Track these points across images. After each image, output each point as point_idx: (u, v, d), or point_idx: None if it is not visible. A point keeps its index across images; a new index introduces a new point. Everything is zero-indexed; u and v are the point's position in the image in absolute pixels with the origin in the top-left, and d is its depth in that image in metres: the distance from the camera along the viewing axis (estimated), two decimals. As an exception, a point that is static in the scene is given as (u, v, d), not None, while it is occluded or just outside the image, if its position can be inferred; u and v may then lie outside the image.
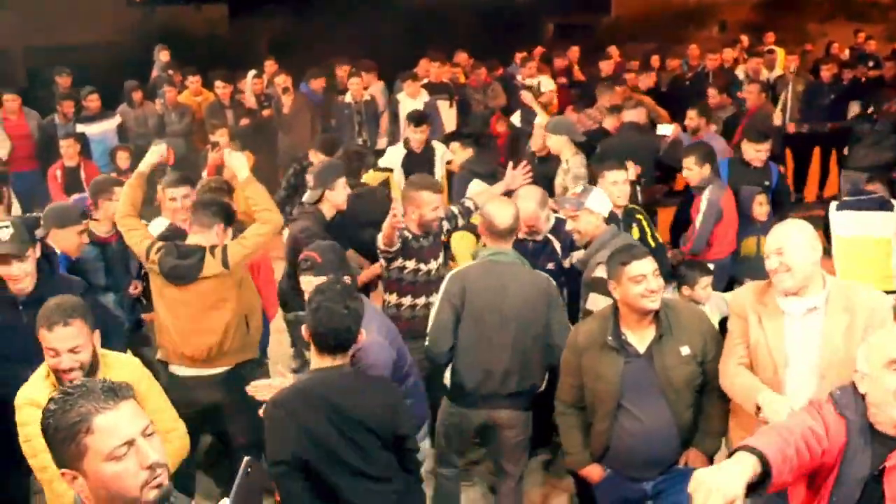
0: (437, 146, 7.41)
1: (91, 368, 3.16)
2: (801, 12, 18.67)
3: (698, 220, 5.66)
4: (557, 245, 4.86)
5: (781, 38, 14.54)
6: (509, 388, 3.98)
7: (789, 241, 3.23)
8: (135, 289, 5.05)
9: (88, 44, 14.65)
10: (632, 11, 19.21)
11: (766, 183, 6.17)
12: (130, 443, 1.88)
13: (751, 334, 3.34)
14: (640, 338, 3.47)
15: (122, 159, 8.26)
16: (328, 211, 5.00)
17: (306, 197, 5.13)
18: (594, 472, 3.66)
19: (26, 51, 15.43)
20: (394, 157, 7.33)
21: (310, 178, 5.18)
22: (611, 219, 4.63)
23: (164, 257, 4.10)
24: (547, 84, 10.20)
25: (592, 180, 5.67)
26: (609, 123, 7.73)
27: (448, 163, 7.32)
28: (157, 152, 4.51)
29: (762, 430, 2.51)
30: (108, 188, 5.00)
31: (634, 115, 7.47)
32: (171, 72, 10.20)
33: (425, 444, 4.00)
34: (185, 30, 14.74)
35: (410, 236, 4.53)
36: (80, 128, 8.85)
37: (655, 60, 12.17)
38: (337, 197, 4.98)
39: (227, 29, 16.26)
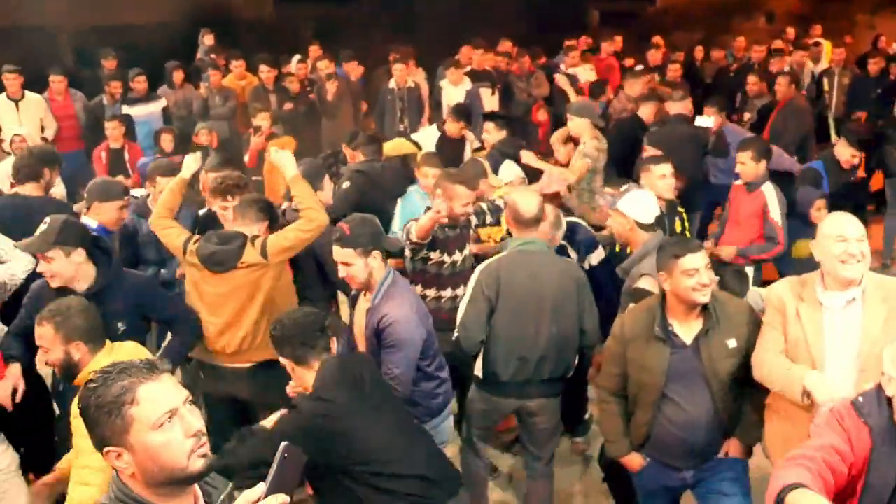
0: (468, 134, 7.49)
1: (66, 373, 3.32)
2: (849, 4, 18.19)
3: (775, 217, 5.51)
4: (572, 252, 4.84)
5: (829, 29, 14.21)
6: (542, 374, 4.01)
7: (862, 230, 3.23)
8: None
9: (135, 25, 14.80)
10: (677, 0, 18.91)
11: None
12: (174, 412, 1.90)
13: (788, 328, 3.33)
14: (686, 329, 3.46)
15: (166, 141, 8.35)
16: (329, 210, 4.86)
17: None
18: (634, 460, 3.66)
19: (73, 31, 15.61)
20: (428, 138, 7.34)
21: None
22: (657, 222, 4.52)
23: (204, 244, 4.10)
24: (587, 75, 10.11)
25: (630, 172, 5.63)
26: (644, 113, 7.60)
27: (478, 148, 7.35)
28: (195, 159, 4.55)
29: (785, 465, 2.46)
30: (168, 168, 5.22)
31: (681, 107, 7.34)
32: (213, 55, 10.28)
33: (447, 424, 4.05)
34: (231, 13, 14.81)
35: (437, 226, 4.50)
36: (125, 109, 8.97)
37: (699, 51, 12.00)
38: (325, 195, 5.05)
39: (272, 13, 16.30)
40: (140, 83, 9.08)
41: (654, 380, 3.46)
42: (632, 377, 3.56)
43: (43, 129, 8.71)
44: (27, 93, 8.67)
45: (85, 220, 4.61)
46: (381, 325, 3.56)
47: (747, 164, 5.66)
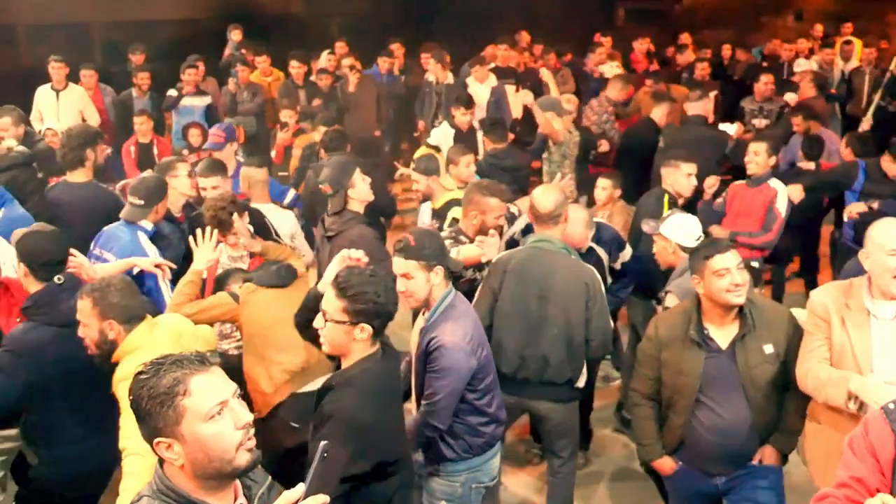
0: (476, 123, 7.58)
1: (101, 349, 3.30)
2: (881, 2, 17.91)
3: (780, 209, 5.53)
4: (602, 252, 4.78)
5: (860, 28, 14.00)
6: (544, 376, 3.98)
7: None
8: None
9: (164, 20, 14.93)
10: (706, -2, 18.75)
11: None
12: (224, 403, 1.93)
13: (833, 338, 3.26)
14: (722, 334, 3.45)
15: (195, 136, 8.42)
16: (359, 207, 4.65)
17: (332, 206, 4.69)
18: (666, 464, 3.65)
19: (102, 26, 15.78)
20: (443, 136, 7.37)
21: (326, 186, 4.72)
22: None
23: (259, 272, 4.04)
24: (613, 72, 10.03)
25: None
26: (657, 115, 7.54)
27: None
28: (209, 249, 4.14)
29: None
30: (173, 165, 5.16)
31: (699, 108, 7.28)
32: (243, 51, 10.33)
33: (493, 462, 3.67)
34: (259, 9, 14.88)
35: (465, 242, 4.40)
36: (184, 101, 9.02)
37: (727, 49, 11.90)
38: (360, 192, 4.62)
39: (300, 9, 16.35)
40: (191, 76, 9.11)
41: (689, 383, 3.44)
42: (666, 381, 3.54)
43: (84, 121, 8.80)
44: (70, 84, 8.77)
45: (145, 224, 4.55)
46: (430, 347, 3.33)
47: (760, 156, 5.65)
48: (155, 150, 8.30)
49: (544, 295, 3.92)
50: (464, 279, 4.41)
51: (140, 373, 1.96)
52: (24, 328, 3.55)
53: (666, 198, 5.06)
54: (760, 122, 8.38)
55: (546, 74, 8.22)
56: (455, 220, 4.74)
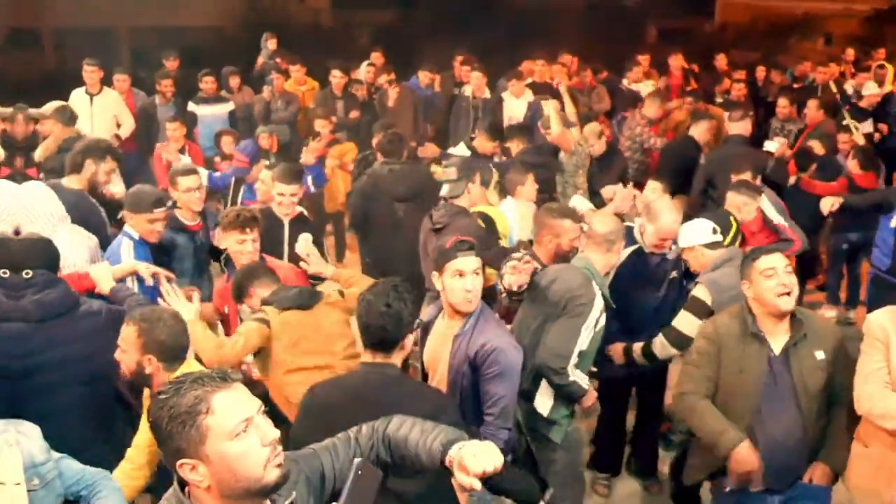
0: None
1: (136, 380, 3.23)
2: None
3: (777, 220, 5.62)
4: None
5: (892, 53, 13.92)
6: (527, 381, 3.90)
7: None
8: None
9: (193, 27, 14.96)
10: (736, 18, 18.71)
11: None
12: (249, 420, 1.85)
13: (892, 359, 3.20)
14: (774, 341, 3.40)
15: (227, 144, 8.34)
16: (466, 204, 4.98)
17: (446, 190, 4.97)
18: (751, 454, 3.32)
19: (131, 31, 15.84)
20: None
21: (451, 171, 5.04)
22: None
23: (278, 296, 3.86)
24: (648, 90, 9.93)
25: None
26: (697, 133, 7.44)
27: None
28: (194, 309, 3.84)
29: None
30: (173, 180, 4.96)
31: (740, 128, 7.19)
32: (279, 59, 10.27)
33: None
34: (289, 18, 14.90)
35: (539, 268, 4.26)
36: (191, 107, 8.99)
37: (761, 71, 11.80)
38: (476, 191, 4.98)
39: (330, 19, 16.39)
40: (209, 83, 9.10)
41: (751, 383, 3.36)
42: (723, 384, 3.44)
43: (118, 125, 8.74)
44: (105, 88, 8.71)
45: (127, 230, 4.41)
46: (483, 353, 3.32)
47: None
48: (187, 156, 8.21)
49: (533, 303, 3.96)
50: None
51: (159, 393, 1.87)
52: None
53: (733, 219, 4.89)
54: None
55: (563, 89, 8.14)
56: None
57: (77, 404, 3.30)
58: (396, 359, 2.99)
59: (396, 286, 3.00)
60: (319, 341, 3.83)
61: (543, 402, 3.87)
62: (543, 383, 3.85)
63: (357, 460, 1.81)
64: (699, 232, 4.33)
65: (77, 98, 8.58)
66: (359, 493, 1.79)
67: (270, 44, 10.74)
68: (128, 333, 3.19)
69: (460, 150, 7.29)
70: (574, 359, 3.76)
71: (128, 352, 3.19)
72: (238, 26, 13.97)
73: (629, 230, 4.70)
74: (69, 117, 6.52)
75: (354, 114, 8.69)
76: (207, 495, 1.86)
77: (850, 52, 13.70)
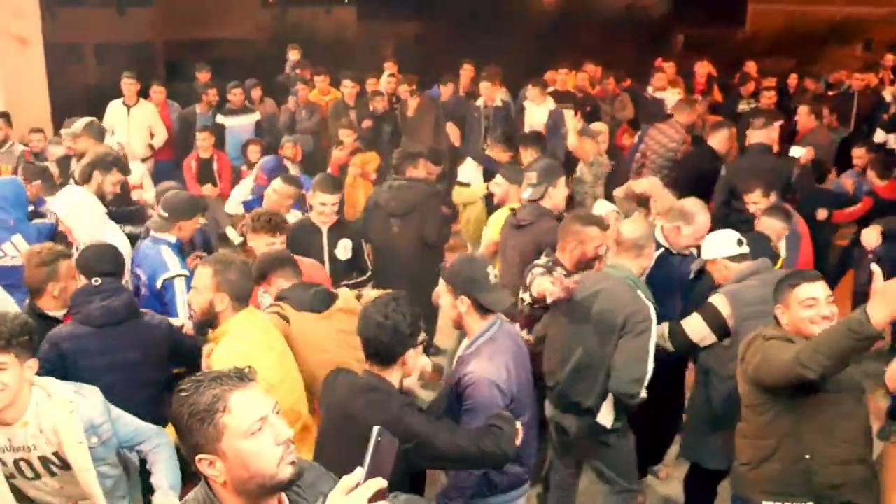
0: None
1: (204, 320, 3.46)
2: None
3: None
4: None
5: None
6: (569, 393, 3.94)
7: None
8: None
9: (224, 40, 15.25)
10: (769, 25, 18.40)
11: None
12: (264, 419, 1.91)
13: None
14: None
15: (253, 153, 8.49)
16: (551, 207, 5.05)
17: (529, 193, 5.06)
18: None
19: (167, 45, 16.20)
20: (473, 171, 7.37)
21: (532, 176, 5.19)
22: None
23: (294, 293, 3.91)
24: (674, 99, 9.84)
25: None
26: (716, 142, 7.27)
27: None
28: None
29: None
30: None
31: (763, 136, 7.05)
32: (298, 70, 10.41)
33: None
34: (314, 30, 15.10)
35: (564, 274, 4.27)
36: (220, 119, 9.18)
37: (793, 79, 11.63)
38: (557, 195, 5.03)
39: (354, 31, 16.58)
40: (236, 95, 9.29)
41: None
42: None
43: (152, 135, 8.96)
44: (141, 100, 8.97)
45: (160, 237, 4.64)
46: (464, 382, 3.29)
47: (760, 203, 5.55)
48: (215, 166, 8.40)
49: (585, 315, 3.88)
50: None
51: (180, 389, 1.94)
52: (64, 324, 3.70)
53: (774, 246, 4.84)
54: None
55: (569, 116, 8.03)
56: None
57: (134, 406, 3.42)
58: (394, 375, 2.99)
59: (397, 299, 3.01)
60: (334, 347, 3.83)
61: (607, 416, 3.90)
62: (608, 401, 3.87)
63: (377, 427, 1.83)
64: (723, 244, 4.25)
65: (114, 109, 8.87)
66: (379, 459, 1.82)
67: (293, 55, 10.92)
68: (203, 273, 3.42)
69: (469, 166, 7.31)
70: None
71: (202, 291, 3.41)
72: (267, 39, 14.20)
73: None
74: (98, 131, 6.72)
75: (367, 123, 8.77)
76: (224, 490, 1.93)
77: (890, 58, 13.39)
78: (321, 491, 2.09)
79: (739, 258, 4.17)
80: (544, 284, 3.97)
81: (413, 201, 5.77)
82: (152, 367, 3.70)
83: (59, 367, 3.44)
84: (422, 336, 3.05)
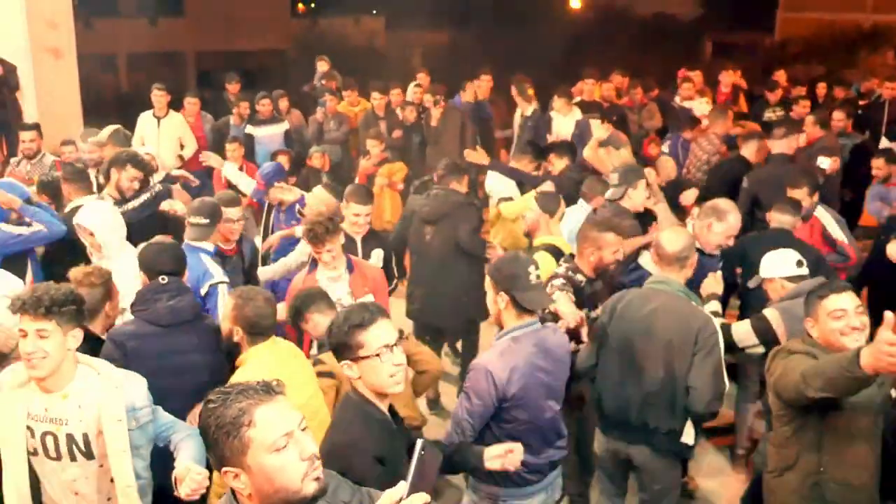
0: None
1: (228, 346, 3.55)
2: None
3: (837, 236, 5.65)
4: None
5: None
6: (647, 420, 3.79)
7: None
8: None
9: (255, 51, 15.43)
10: (798, 32, 18.19)
11: None
12: (290, 435, 1.91)
13: None
14: None
15: (283, 162, 8.59)
16: (630, 207, 5.30)
17: (609, 193, 5.40)
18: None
19: (198, 55, 16.42)
20: (500, 183, 7.23)
21: (614, 177, 5.49)
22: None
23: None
24: (702, 108, 9.80)
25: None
26: (748, 152, 7.25)
27: None
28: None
29: None
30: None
31: (784, 146, 7.00)
32: (324, 81, 10.47)
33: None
34: (344, 40, 15.22)
35: (584, 280, 4.28)
36: (249, 129, 9.27)
37: (822, 87, 11.51)
38: (636, 196, 5.29)
39: (383, 41, 16.70)
40: (265, 106, 9.38)
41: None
42: (844, 410, 3.16)
43: (182, 147, 9.05)
44: (171, 111, 9.04)
45: (198, 246, 4.64)
46: (471, 367, 3.46)
47: (804, 201, 5.58)
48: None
49: (649, 336, 3.75)
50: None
51: (209, 400, 1.95)
52: (127, 321, 3.75)
53: None
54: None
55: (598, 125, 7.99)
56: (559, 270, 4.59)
57: (187, 410, 3.50)
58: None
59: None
60: None
61: (690, 434, 3.86)
62: (689, 419, 3.83)
63: (420, 441, 1.85)
64: (783, 264, 4.23)
65: (145, 121, 8.97)
66: (423, 473, 1.83)
67: (322, 66, 10.98)
68: (228, 303, 3.55)
69: (494, 178, 7.27)
70: None
71: (224, 319, 3.56)
72: (297, 49, 14.35)
73: None
74: (124, 139, 6.83)
75: (397, 133, 8.82)
76: (250, 502, 1.94)
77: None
78: (342, 499, 2.13)
79: (797, 279, 4.13)
80: (563, 308, 3.97)
81: (446, 209, 5.76)
82: (211, 371, 3.65)
83: (122, 366, 3.37)
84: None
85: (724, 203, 4.65)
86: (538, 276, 3.42)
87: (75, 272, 3.79)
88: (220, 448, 1.91)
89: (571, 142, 7.81)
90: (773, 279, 4.22)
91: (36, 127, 7.76)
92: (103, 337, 3.74)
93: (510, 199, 6.68)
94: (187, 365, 3.62)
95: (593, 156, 6.98)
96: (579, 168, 6.92)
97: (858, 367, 2.71)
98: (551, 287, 4.14)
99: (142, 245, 4.07)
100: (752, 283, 4.49)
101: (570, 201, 5.81)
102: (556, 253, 4.87)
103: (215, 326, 3.78)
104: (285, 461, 1.89)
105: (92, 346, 3.64)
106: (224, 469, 1.92)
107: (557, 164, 6.91)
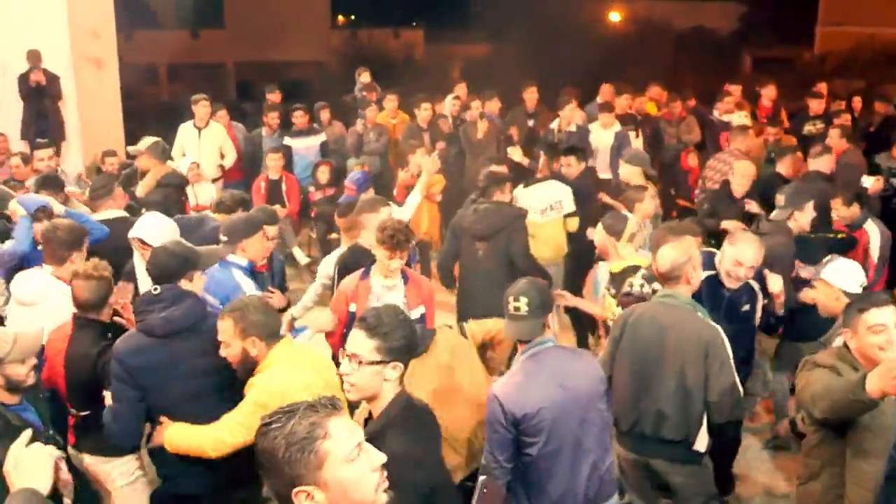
0: None
1: (244, 367, 3.46)
2: None
3: (873, 255, 5.81)
4: (757, 287, 4.56)
5: None
6: (661, 432, 3.83)
7: None
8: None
9: (294, 62, 15.62)
10: (838, 46, 18.00)
11: None
12: (360, 445, 1.89)
13: None
14: None
15: (323, 174, 8.71)
16: (795, 229, 5.46)
17: (776, 214, 5.64)
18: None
19: (237, 66, 16.66)
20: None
21: (780, 198, 5.73)
22: None
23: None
24: (741, 122, 9.74)
25: None
26: (783, 168, 7.26)
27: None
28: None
29: None
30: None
31: (822, 164, 7.04)
32: (364, 93, 10.54)
33: None
34: (383, 52, 15.35)
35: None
36: (286, 141, 9.38)
37: (857, 101, 11.38)
38: (802, 219, 5.44)
39: (422, 53, 16.82)
40: (300, 117, 9.49)
41: (885, 423, 3.07)
42: (860, 428, 3.12)
43: (222, 156, 9.18)
44: (211, 122, 9.16)
45: (231, 260, 4.60)
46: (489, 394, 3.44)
47: (840, 211, 5.91)
48: (283, 187, 8.59)
49: (660, 350, 3.79)
50: None
51: (267, 423, 1.88)
52: (127, 335, 3.66)
53: None
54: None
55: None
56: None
57: (210, 414, 3.49)
58: None
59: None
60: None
61: (702, 442, 3.89)
62: (703, 427, 3.85)
63: (482, 478, 1.88)
64: (849, 278, 4.17)
65: (185, 131, 9.09)
66: None
67: (364, 77, 11.08)
68: (225, 327, 3.38)
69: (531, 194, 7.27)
70: None
71: (231, 344, 3.39)
72: (337, 60, 14.50)
73: (710, 257, 4.58)
74: (162, 152, 6.95)
75: (440, 145, 8.87)
76: None
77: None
78: None
79: (853, 297, 4.01)
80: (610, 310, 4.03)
81: (499, 223, 5.74)
82: (223, 373, 3.53)
83: (131, 382, 3.47)
84: None
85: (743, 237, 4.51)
86: (516, 308, 3.40)
87: (85, 266, 3.93)
88: (293, 467, 1.84)
89: (580, 146, 7.96)
90: (832, 286, 4.16)
91: (51, 145, 7.80)
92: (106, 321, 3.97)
93: (575, 213, 6.73)
94: (196, 370, 3.54)
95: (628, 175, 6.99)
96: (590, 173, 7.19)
97: (863, 390, 2.72)
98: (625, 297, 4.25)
99: None
100: (806, 274, 4.48)
101: (580, 204, 6.44)
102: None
103: None
104: (360, 472, 1.87)
105: (102, 332, 3.85)
106: (296, 490, 1.85)
107: (575, 166, 7.10)
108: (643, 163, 7.11)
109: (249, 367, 3.41)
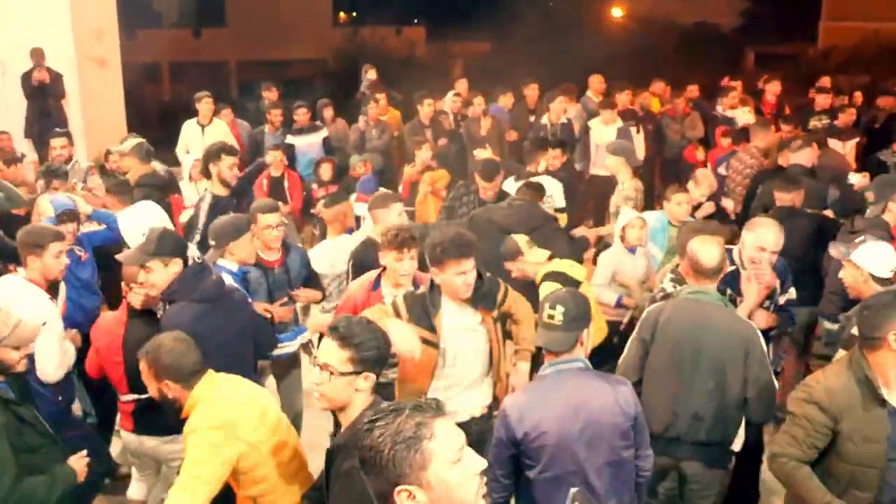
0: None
1: (169, 407, 3.36)
2: None
3: None
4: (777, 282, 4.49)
5: None
6: (697, 435, 3.72)
7: None
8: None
9: (296, 60, 15.62)
10: (842, 42, 17.94)
11: None
12: (463, 449, 1.89)
13: None
14: (890, 391, 3.14)
15: (326, 171, 8.68)
16: (891, 220, 5.34)
17: (870, 211, 5.63)
18: None
19: (240, 64, 16.67)
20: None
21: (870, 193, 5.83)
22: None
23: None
24: (745, 117, 9.72)
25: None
26: (803, 160, 7.14)
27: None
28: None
29: None
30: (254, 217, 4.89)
31: (802, 157, 6.99)
32: (370, 90, 10.55)
33: None
34: (385, 50, 15.35)
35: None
36: (289, 139, 9.37)
37: (858, 97, 11.35)
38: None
39: (424, 50, 16.82)
40: (302, 115, 9.47)
41: (878, 450, 3.09)
42: (848, 454, 3.14)
43: None
44: (215, 119, 9.15)
45: (221, 264, 4.51)
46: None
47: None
48: (286, 184, 8.58)
49: (697, 349, 3.68)
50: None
51: (372, 421, 1.89)
52: (175, 309, 3.81)
53: None
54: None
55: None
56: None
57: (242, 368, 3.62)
58: None
59: None
60: None
61: (738, 442, 3.85)
62: (741, 427, 3.81)
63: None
64: (880, 262, 4.09)
65: (189, 128, 9.08)
66: None
67: (371, 74, 11.03)
68: (143, 368, 3.30)
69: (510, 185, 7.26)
70: None
71: (150, 384, 3.31)
72: (338, 59, 14.50)
73: (728, 252, 4.46)
74: (146, 153, 6.91)
75: (442, 141, 8.86)
76: None
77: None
78: None
79: (883, 282, 4.03)
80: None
81: (535, 222, 5.53)
82: (245, 341, 3.92)
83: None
84: None
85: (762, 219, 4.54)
86: (550, 316, 3.20)
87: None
88: (397, 466, 1.84)
89: (563, 139, 8.09)
90: (861, 268, 4.09)
91: (66, 135, 7.71)
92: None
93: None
94: (225, 340, 3.77)
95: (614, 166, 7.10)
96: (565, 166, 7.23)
97: None
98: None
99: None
100: (836, 254, 4.35)
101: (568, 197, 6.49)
102: (565, 280, 4.50)
103: (241, 298, 4.10)
104: (463, 475, 1.86)
105: (155, 317, 3.97)
106: (398, 489, 1.85)
107: (560, 159, 7.19)
108: (626, 153, 7.22)
109: (172, 406, 3.27)
